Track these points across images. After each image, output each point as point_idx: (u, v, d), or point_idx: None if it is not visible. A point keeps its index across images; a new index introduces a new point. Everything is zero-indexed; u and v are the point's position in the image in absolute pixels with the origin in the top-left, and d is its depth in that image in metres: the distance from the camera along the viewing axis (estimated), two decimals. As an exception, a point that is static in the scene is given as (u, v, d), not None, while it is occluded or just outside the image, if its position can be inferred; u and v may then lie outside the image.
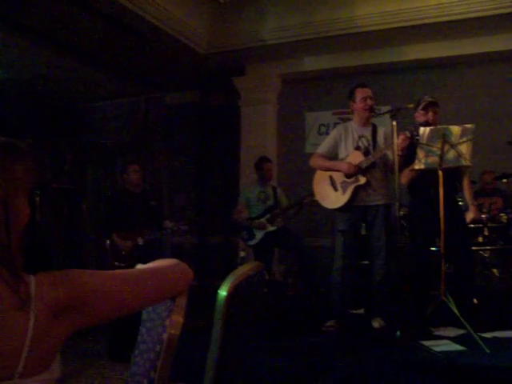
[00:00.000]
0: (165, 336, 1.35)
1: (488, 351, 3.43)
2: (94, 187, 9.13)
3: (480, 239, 5.68)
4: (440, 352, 3.49)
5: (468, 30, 6.32)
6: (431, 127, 4.08)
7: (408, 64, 7.07)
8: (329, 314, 4.57)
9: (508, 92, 6.81)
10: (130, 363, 1.43)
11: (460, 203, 4.77)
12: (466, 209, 4.63)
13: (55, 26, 6.09)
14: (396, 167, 4.03)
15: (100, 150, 9.13)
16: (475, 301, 4.52)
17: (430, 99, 4.46)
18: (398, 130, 4.04)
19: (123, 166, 6.09)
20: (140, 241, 5.27)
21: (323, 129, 7.61)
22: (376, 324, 4.41)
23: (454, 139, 3.92)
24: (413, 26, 6.24)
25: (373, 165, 4.46)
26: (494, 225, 5.72)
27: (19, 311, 0.98)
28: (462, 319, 3.67)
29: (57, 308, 1.02)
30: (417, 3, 6.10)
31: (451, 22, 6.09)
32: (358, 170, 4.44)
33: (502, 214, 5.77)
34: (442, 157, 3.92)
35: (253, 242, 5.94)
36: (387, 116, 4.49)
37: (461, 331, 3.87)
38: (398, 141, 4.06)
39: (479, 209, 5.38)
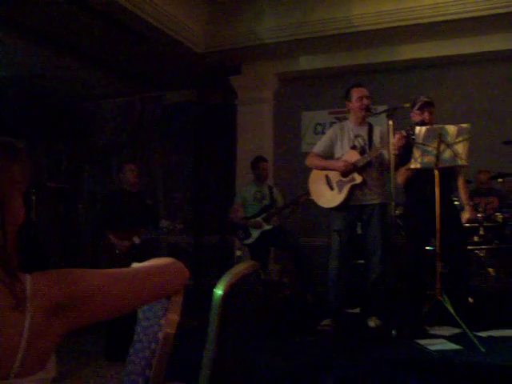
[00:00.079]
0: (160, 335, 1.35)
1: (483, 350, 3.44)
2: (91, 187, 9.12)
3: (476, 238, 5.69)
4: (435, 351, 3.50)
5: (463, 29, 6.34)
6: (427, 127, 4.09)
7: (404, 63, 7.08)
8: (324, 313, 4.58)
9: (504, 92, 6.82)
10: (125, 362, 1.44)
11: (456, 203, 4.78)
12: (462, 208, 4.64)
13: (52, 25, 6.08)
14: (392, 166, 4.04)
15: (96, 149, 9.12)
16: (471, 300, 4.53)
17: (425, 99, 4.47)
18: (394, 130, 4.05)
19: (119, 166, 6.09)
20: (136, 240, 5.27)
21: (319, 128, 7.61)
22: (372, 323, 4.41)
23: (449, 139, 3.93)
24: (409, 26, 6.25)
25: (369, 164, 4.47)
26: (489, 224, 5.73)
27: (15, 311, 0.97)
28: (457, 318, 3.68)
29: (52, 307, 1.02)
30: (413, 3, 6.11)
31: (447, 21, 6.11)
32: (354, 168, 4.44)
33: (497, 214, 5.79)
34: (437, 156, 3.93)
35: (249, 241, 5.94)
36: (383, 115, 4.49)
37: (456, 330, 3.88)
38: (394, 140, 4.06)
39: (475, 208, 5.39)
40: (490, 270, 5.68)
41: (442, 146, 3.93)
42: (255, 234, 5.90)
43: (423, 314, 3.96)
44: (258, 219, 5.94)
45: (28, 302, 0.99)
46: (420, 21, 6.16)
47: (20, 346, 0.97)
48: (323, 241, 6.48)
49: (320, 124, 7.64)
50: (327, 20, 6.46)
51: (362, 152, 4.51)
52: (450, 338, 3.80)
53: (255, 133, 7.65)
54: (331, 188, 4.58)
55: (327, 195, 4.61)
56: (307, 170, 4.84)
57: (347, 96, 4.65)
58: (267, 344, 3.90)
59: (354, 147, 4.56)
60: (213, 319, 1.28)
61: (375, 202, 4.49)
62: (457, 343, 3.66)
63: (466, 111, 6.70)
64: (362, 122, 4.62)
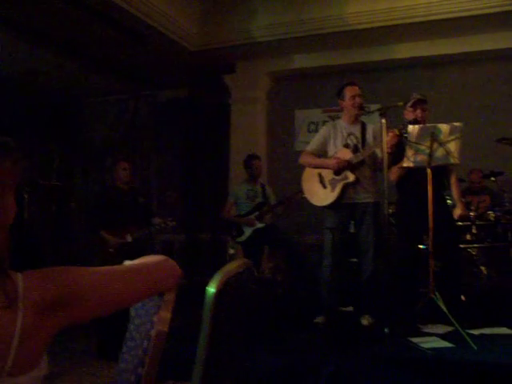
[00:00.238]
0: (153, 332, 1.35)
1: (475, 348, 3.46)
2: (83, 185, 9.10)
3: (468, 237, 5.72)
4: (428, 349, 3.50)
5: (458, 28, 6.36)
6: (420, 125, 4.10)
7: (398, 62, 7.10)
8: (318, 310, 4.58)
9: (497, 91, 6.85)
10: (118, 361, 1.43)
11: (448, 201, 4.80)
12: (454, 207, 4.65)
13: (45, 23, 6.06)
14: (385, 165, 4.04)
15: (89, 147, 9.10)
16: (463, 298, 4.54)
17: (418, 96, 4.48)
18: (387, 128, 4.05)
19: (112, 164, 6.08)
20: (129, 238, 5.26)
21: (313, 127, 7.62)
22: (365, 321, 4.42)
23: (442, 137, 3.94)
24: (403, 25, 6.27)
25: (362, 162, 4.47)
26: (481, 223, 5.75)
27: (6, 310, 0.97)
28: (450, 316, 3.69)
29: (45, 305, 1.01)
30: (407, 2, 6.13)
31: (441, 20, 6.13)
32: (348, 165, 4.45)
33: (489, 212, 5.81)
34: (430, 155, 3.94)
35: (241, 239, 5.95)
36: (376, 114, 4.49)
37: (449, 328, 3.89)
38: (387, 138, 4.06)
39: (467, 207, 5.41)
40: (483, 268, 5.71)
41: (435, 145, 3.94)
42: (248, 232, 5.91)
43: (416, 312, 3.97)
44: (251, 217, 5.94)
45: (20, 300, 0.99)
46: (414, 20, 6.18)
47: (12, 345, 0.96)
48: (316, 239, 6.49)
49: (313, 122, 7.65)
50: (321, 18, 6.47)
51: (355, 150, 4.51)
52: (443, 336, 3.81)
53: (249, 131, 7.65)
54: (324, 186, 4.59)
55: (320, 193, 4.61)
56: (300, 169, 4.84)
57: (340, 94, 4.65)
58: (260, 342, 3.90)
59: (346, 145, 4.57)
60: (206, 317, 1.28)
61: (368, 200, 4.49)
62: (449, 341, 3.67)
63: (459, 110, 6.72)
64: (355, 120, 4.63)
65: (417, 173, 4.19)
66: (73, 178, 9.17)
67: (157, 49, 6.90)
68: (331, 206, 4.55)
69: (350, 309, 5.00)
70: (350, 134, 4.59)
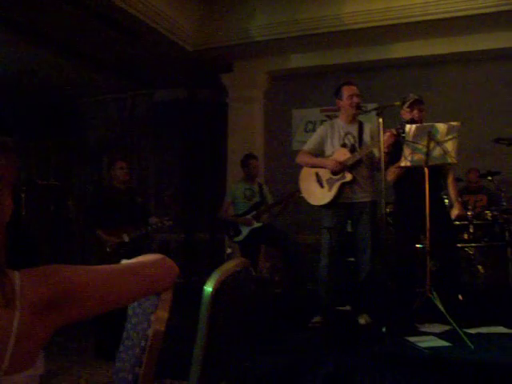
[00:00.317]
0: (150, 331, 1.35)
1: (472, 347, 3.46)
2: (81, 184, 9.09)
3: (465, 236, 5.72)
4: (425, 348, 3.51)
5: (454, 28, 6.36)
6: (417, 125, 4.10)
7: (395, 62, 7.10)
8: (315, 310, 4.59)
9: (493, 90, 6.86)
10: (115, 360, 1.43)
11: (445, 201, 4.80)
12: (451, 206, 4.66)
13: (42, 22, 6.04)
14: (382, 164, 4.04)
15: (86, 146, 9.09)
16: (460, 297, 4.55)
17: (415, 97, 4.48)
18: (385, 128, 4.06)
19: (110, 163, 6.06)
20: (125, 238, 5.25)
21: (310, 126, 7.62)
22: (362, 320, 4.42)
23: (439, 137, 3.94)
24: (399, 24, 6.27)
25: (359, 162, 4.47)
26: (479, 222, 5.76)
27: (4, 308, 0.97)
28: (447, 315, 3.70)
29: (42, 304, 1.01)
30: (403, 1, 6.13)
31: (438, 20, 6.13)
32: (344, 168, 4.45)
33: (486, 212, 5.82)
34: (427, 154, 3.95)
35: (239, 239, 5.94)
36: (373, 113, 4.50)
37: (446, 327, 3.89)
38: (384, 138, 4.06)
39: (464, 206, 5.42)
40: (480, 267, 5.71)
41: (432, 144, 3.94)
42: (245, 231, 5.91)
43: (413, 312, 3.98)
44: (248, 217, 5.94)
45: (17, 299, 0.99)
46: (411, 19, 6.18)
47: (9, 344, 0.96)
48: (313, 238, 6.49)
49: (311, 122, 7.65)
50: (318, 18, 6.47)
51: (352, 150, 4.52)
52: (440, 335, 3.82)
53: (246, 130, 7.65)
54: (321, 186, 4.59)
55: (317, 193, 4.61)
56: (298, 168, 4.84)
57: (337, 94, 4.65)
58: (257, 341, 3.90)
59: (344, 145, 4.57)
60: (203, 316, 1.28)
61: (365, 199, 4.50)
62: (446, 340, 3.68)
63: (456, 109, 6.73)
64: (352, 119, 4.63)
65: (414, 172, 4.20)
66: (70, 177, 9.16)
67: (154, 48, 6.89)
68: (328, 206, 4.54)
69: (348, 308, 5.00)
70: (347, 134, 4.59)
